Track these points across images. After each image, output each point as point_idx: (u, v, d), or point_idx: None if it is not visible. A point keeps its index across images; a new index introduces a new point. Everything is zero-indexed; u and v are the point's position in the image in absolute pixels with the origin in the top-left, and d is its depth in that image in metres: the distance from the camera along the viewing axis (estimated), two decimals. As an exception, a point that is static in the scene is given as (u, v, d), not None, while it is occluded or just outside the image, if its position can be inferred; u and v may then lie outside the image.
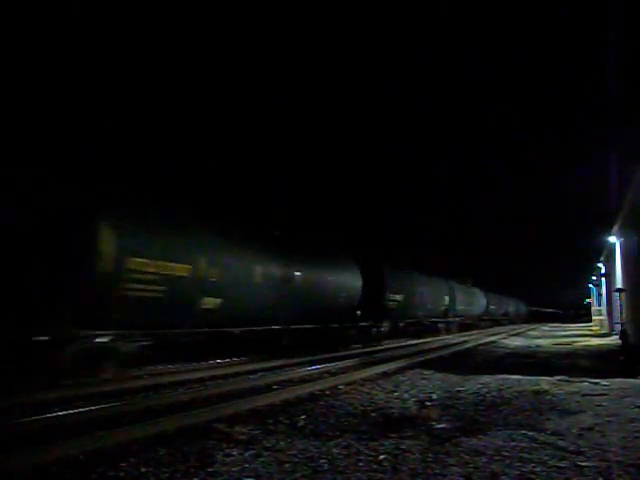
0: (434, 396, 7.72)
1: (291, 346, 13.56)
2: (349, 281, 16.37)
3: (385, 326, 18.99)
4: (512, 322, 52.08)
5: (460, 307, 30.02)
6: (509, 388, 8.37)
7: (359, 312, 16.69)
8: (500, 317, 46.52)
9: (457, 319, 29.94)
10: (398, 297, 19.99)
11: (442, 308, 26.57)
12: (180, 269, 9.62)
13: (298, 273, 13.49)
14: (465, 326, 32.21)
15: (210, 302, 10.38)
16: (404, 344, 18.95)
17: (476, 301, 35.49)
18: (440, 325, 26.52)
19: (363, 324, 17.19)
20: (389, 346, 17.73)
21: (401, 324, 21.11)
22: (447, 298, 27.30)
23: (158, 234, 9.47)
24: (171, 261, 9.41)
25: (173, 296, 9.41)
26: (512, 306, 54.91)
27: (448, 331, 27.65)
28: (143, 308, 9.00)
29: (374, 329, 18.13)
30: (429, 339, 22.75)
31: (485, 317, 39.20)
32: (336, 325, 15.48)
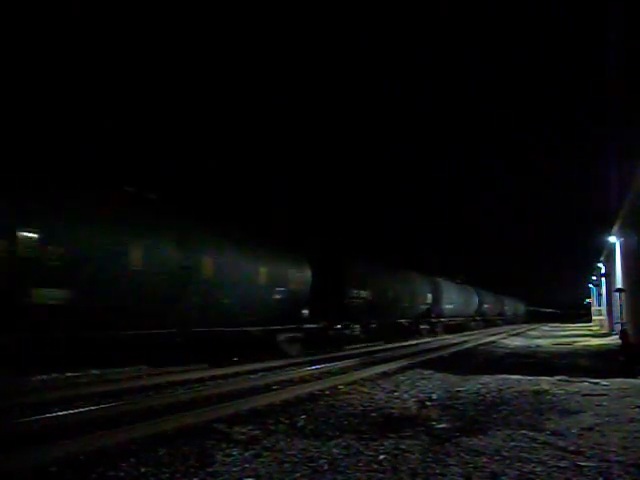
0: (434, 396, 7.72)
1: (196, 355, 11.07)
2: (291, 272, 13.15)
3: (352, 328, 16.47)
4: (508, 323, 49.04)
5: (447, 306, 27.23)
6: (509, 388, 8.37)
7: (306, 311, 13.85)
8: (494, 317, 43.42)
9: (443, 320, 27.19)
10: (364, 293, 16.99)
11: (424, 307, 23.98)
12: None
13: (208, 258, 10.22)
14: (454, 327, 29.58)
15: (48, 295, 7.38)
16: (406, 344, 18.94)
17: (466, 300, 32.46)
18: (422, 327, 24.06)
19: (312, 326, 14.14)
20: (389, 346, 17.71)
21: (373, 325, 18.53)
22: (430, 296, 24.58)
23: None
24: None
25: None
26: (509, 306, 51.78)
27: (432, 333, 25.11)
28: None
29: (331, 332, 15.27)
30: (428, 339, 22.70)
31: (477, 317, 36.27)
32: (270, 327, 12.36)
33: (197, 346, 10.91)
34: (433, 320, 25.58)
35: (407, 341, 20.73)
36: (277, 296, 12.50)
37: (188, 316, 9.91)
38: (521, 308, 63.43)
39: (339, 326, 15.73)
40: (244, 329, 11.59)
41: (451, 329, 28.91)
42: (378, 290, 18.31)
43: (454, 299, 29.05)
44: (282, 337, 12.81)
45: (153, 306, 9.25)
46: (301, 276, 13.68)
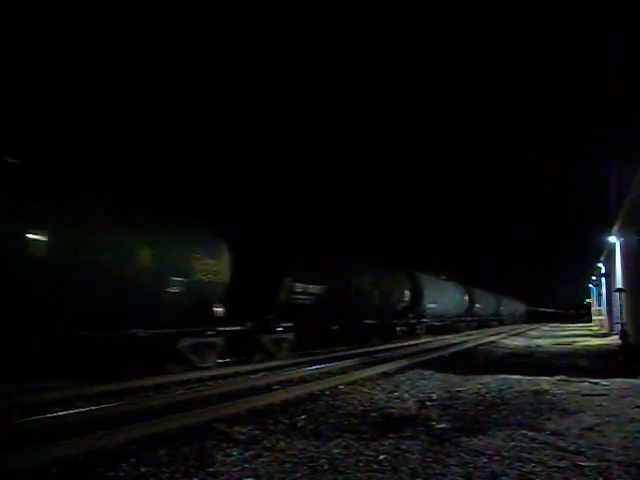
0: (434, 396, 7.72)
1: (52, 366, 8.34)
2: (197, 258, 10.01)
3: (297, 331, 13.52)
4: (505, 324, 46.69)
5: (430, 305, 24.29)
6: (509, 388, 8.37)
7: (221, 309, 10.68)
8: (488, 318, 40.28)
9: (425, 320, 24.52)
10: (314, 289, 13.80)
11: (400, 306, 21.43)
12: None
13: (37, 229, 7.11)
14: (439, 329, 26.78)
15: None
16: (406, 344, 18.92)
17: (454, 298, 29.39)
18: (398, 328, 21.57)
19: (234, 329, 11.22)
20: (389, 346, 17.70)
21: (334, 327, 15.77)
22: (408, 293, 21.85)
23: None
24: None
25: None
26: (505, 305, 48.42)
27: (412, 335, 22.68)
28: None
29: (266, 336, 12.36)
30: (429, 339, 22.69)
31: (468, 318, 33.30)
32: (165, 330, 9.52)
33: (48, 354, 8.05)
34: (412, 321, 23.03)
35: (407, 342, 20.40)
36: (173, 289, 9.45)
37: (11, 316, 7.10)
38: (520, 308, 62.54)
39: (280, 329, 12.83)
40: (130, 332, 8.76)
41: (436, 331, 26.28)
42: (335, 285, 14.98)
43: (439, 297, 25.93)
44: (185, 343, 10.03)
45: None
46: (214, 263, 10.45)
